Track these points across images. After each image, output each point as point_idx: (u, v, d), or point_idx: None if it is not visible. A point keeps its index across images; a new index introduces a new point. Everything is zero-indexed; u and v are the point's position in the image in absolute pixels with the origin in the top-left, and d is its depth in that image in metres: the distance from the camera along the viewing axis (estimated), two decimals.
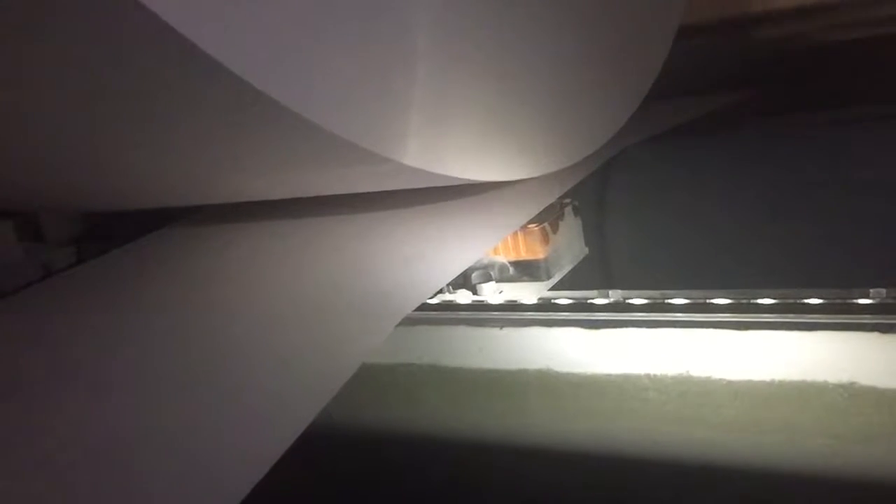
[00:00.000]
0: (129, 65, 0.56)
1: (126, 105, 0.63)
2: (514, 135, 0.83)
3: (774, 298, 0.66)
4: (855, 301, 0.63)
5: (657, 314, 0.68)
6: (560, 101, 0.88)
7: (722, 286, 0.70)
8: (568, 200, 0.97)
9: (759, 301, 0.66)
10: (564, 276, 0.94)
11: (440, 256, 0.83)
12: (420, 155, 0.73)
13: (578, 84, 0.90)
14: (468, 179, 0.80)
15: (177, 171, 0.80)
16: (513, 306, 0.75)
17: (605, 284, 0.76)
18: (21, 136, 0.75)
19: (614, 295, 0.74)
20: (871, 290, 0.64)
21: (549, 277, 0.92)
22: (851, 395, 0.59)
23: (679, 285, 0.73)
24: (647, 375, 0.65)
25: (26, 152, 0.80)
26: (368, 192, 0.90)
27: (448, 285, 0.86)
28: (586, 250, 1.00)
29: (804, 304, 0.64)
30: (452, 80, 0.73)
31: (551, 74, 0.85)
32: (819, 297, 0.65)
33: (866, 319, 0.61)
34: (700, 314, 0.66)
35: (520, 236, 0.91)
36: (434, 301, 0.80)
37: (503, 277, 0.90)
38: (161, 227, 1.07)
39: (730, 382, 0.63)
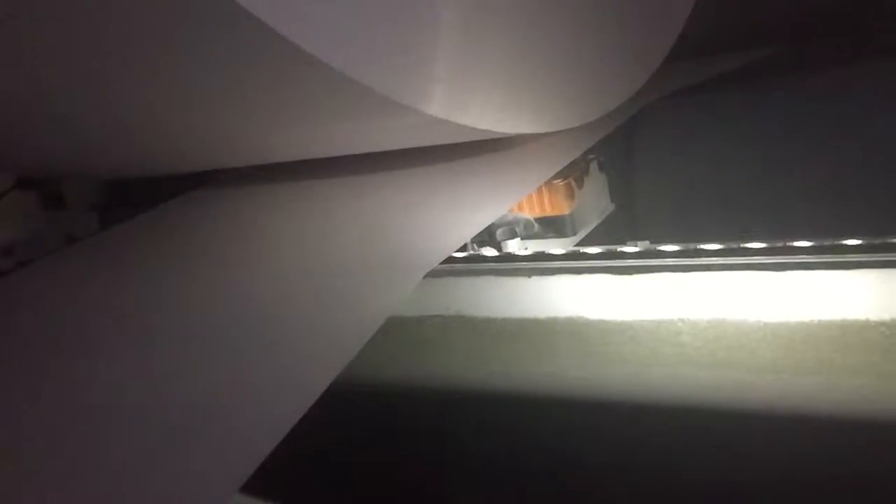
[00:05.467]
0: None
1: (164, 59, 0.63)
2: (538, 87, 0.82)
3: (811, 241, 0.64)
4: (893, 241, 0.62)
5: (690, 259, 0.67)
6: (584, 55, 0.87)
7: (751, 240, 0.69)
8: (593, 156, 0.96)
9: (796, 244, 0.64)
10: (590, 232, 0.93)
11: (465, 211, 0.82)
12: (446, 106, 0.72)
13: (603, 39, 0.89)
14: (492, 132, 0.80)
15: (210, 129, 0.80)
16: (541, 257, 0.74)
17: (631, 240, 0.75)
18: (52, 97, 0.75)
19: (642, 246, 0.73)
20: None
21: (574, 233, 0.91)
22: (893, 333, 0.57)
23: (706, 240, 0.71)
24: (681, 320, 0.64)
25: (59, 116, 0.80)
26: (393, 150, 0.89)
27: (472, 242, 0.85)
28: (612, 206, 0.99)
29: (842, 244, 0.63)
30: (478, 31, 0.72)
31: (576, 28, 0.84)
32: (856, 240, 0.64)
33: None
34: (734, 258, 0.65)
35: (545, 192, 0.90)
36: (461, 254, 0.79)
37: (528, 234, 0.89)
38: (183, 192, 1.07)
39: (766, 324, 0.61)
